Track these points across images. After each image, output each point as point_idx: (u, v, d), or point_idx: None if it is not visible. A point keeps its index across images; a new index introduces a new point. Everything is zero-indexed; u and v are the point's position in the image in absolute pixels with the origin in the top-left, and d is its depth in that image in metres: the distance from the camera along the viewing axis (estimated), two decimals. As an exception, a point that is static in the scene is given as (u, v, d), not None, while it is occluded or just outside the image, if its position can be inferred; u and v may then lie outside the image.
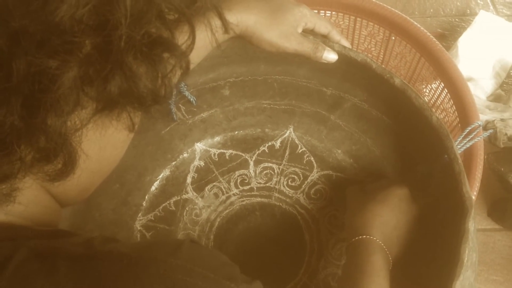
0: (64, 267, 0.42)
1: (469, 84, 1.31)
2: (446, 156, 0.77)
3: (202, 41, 0.75)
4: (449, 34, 1.50)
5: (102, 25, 0.41)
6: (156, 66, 0.47)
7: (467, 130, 0.85)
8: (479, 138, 0.88)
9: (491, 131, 1.23)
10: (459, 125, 0.99)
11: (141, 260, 0.44)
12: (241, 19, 0.77)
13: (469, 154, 0.94)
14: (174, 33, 0.48)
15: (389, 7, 1.08)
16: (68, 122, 0.45)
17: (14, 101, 0.40)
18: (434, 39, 1.04)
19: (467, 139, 0.86)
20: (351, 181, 0.94)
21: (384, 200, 0.79)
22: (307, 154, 0.96)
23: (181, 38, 0.49)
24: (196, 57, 0.78)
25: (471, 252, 0.70)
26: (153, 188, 0.95)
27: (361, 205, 0.81)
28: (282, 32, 0.79)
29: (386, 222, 0.77)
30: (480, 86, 1.34)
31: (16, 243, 0.44)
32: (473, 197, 0.90)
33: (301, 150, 0.96)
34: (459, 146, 0.84)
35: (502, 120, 1.26)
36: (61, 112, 0.43)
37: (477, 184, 0.92)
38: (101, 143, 0.51)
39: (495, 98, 1.34)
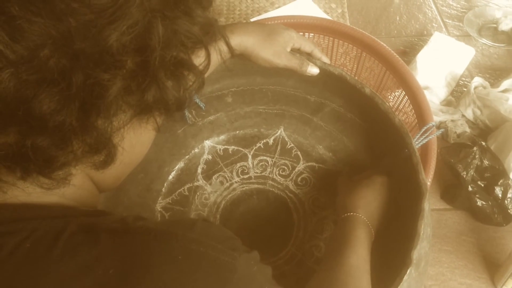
0: (104, 238, 0.43)
1: (426, 91, 1.32)
2: (406, 150, 0.77)
3: (211, 60, 0.77)
4: (410, 51, 1.50)
5: (142, 49, 0.42)
6: (180, 81, 0.48)
7: (423, 129, 0.85)
8: (433, 136, 0.89)
9: (442, 130, 1.24)
10: (417, 125, 0.99)
11: (164, 234, 0.45)
12: (242, 41, 0.78)
13: (425, 148, 0.94)
14: (192, 56, 0.49)
15: (360, 29, 1.08)
16: (113, 123, 0.46)
17: (73, 105, 0.41)
18: (396, 56, 1.04)
19: (424, 136, 0.86)
20: (331, 171, 0.94)
21: (369, 185, 0.80)
22: (295, 149, 0.96)
23: (198, 61, 0.50)
24: None
25: (426, 227, 0.70)
26: (170, 177, 0.95)
27: (350, 189, 0.81)
28: (275, 51, 0.80)
29: (370, 202, 0.78)
30: (435, 93, 1.34)
31: (67, 219, 0.45)
32: (428, 183, 0.90)
33: (290, 146, 0.97)
34: (417, 142, 0.84)
35: (452, 121, 1.26)
36: (108, 115, 0.44)
37: (431, 172, 0.92)
38: (132, 140, 0.51)
39: (447, 103, 1.34)
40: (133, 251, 0.43)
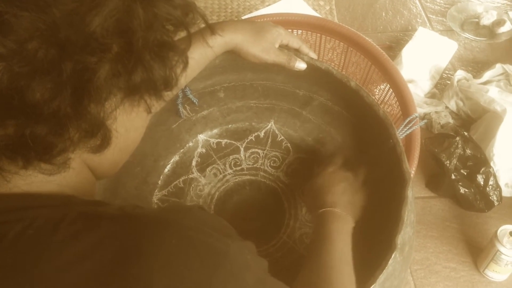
0: (104, 224, 0.44)
1: (411, 84, 1.33)
2: (391, 140, 0.78)
3: (200, 55, 0.77)
4: (395, 46, 1.52)
5: (124, 31, 0.43)
6: (165, 61, 0.48)
7: (407, 120, 0.87)
8: (416, 127, 0.90)
9: (425, 121, 1.25)
10: (402, 116, 0.99)
11: (162, 220, 0.45)
12: (232, 38, 0.78)
13: (409, 139, 0.95)
14: (174, 37, 0.49)
15: (346, 26, 1.09)
16: (105, 107, 0.46)
17: (65, 92, 0.41)
18: (381, 51, 1.04)
19: (407, 127, 0.87)
20: (319, 162, 0.93)
21: (333, 181, 0.80)
22: (285, 141, 0.97)
23: (180, 41, 0.51)
24: (197, 68, 0.79)
25: (410, 213, 0.72)
26: (166, 170, 0.95)
27: (317, 190, 0.81)
28: (263, 48, 0.80)
29: (340, 194, 0.78)
30: (420, 86, 1.35)
31: (67, 207, 0.45)
32: (412, 172, 0.92)
33: (280, 139, 0.97)
34: (401, 133, 0.85)
35: (436, 112, 1.28)
36: (100, 99, 0.44)
37: (415, 161, 0.93)
38: (126, 125, 0.52)
39: (431, 95, 1.35)
40: (131, 236, 0.43)
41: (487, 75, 1.30)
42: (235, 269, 0.45)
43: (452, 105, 1.28)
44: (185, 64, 0.52)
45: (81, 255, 0.42)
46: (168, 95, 0.52)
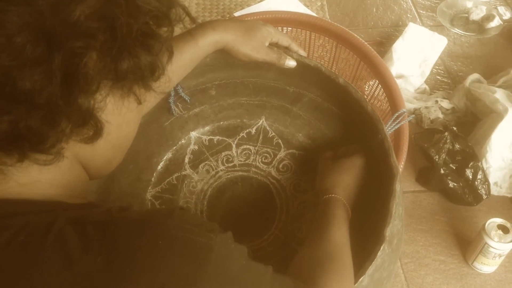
0: (91, 229, 0.45)
1: (401, 80, 1.36)
2: (379, 135, 0.80)
3: (191, 54, 0.78)
4: (386, 41, 1.54)
5: (108, 18, 0.45)
6: (149, 49, 0.50)
7: (395, 116, 0.88)
8: (404, 122, 0.91)
9: (413, 116, 1.27)
10: (390, 112, 1.01)
11: (145, 222, 0.48)
12: (223, 37, 0.80)
13: (398, 134, 0.97)
14: (158, 27, 0.51)
15: (335, 23, 1.11)
16: (94, 96, 0.48)
17: (55, 81, 0.43)
18: (370, 47, 1.06)
19: (396, 122, 0.88)
20: (310, 157, 0.96)
21: (349, 168, 0.82)
22: (276, 138, 0.98)
23: (163, 31, 0.52)
24: (188, 67, 0.81)
25: (398, 206, 0.74)
26: (159, 167, 0.96)
27: (330, 170, 0.83)
28: (254, 46, 0.82)
29: (348, 185, 0.80)
30: (410, 81, 1.37)
31: (56, 213, 0.47)
32: (401, 166, 0.94)
33: (271, 135, 0.98)
34: (389, 128, 0.87)
35: (426, 107, 1.30)
36: (89, 88, 0.46)
37: (404, 156, 0.95)
38: (118, 121, 0.53)
39: (421, 91, 1.37)
40: (117, 240, 0.45)
41: (502, 80, 1.31)
42: (221, 261, 0.48)
43: (461, 106, 1.30)
44: (170, 53, 0.54)
45: (70, 261, 0.44)
46: (157, 87, 0.54)
